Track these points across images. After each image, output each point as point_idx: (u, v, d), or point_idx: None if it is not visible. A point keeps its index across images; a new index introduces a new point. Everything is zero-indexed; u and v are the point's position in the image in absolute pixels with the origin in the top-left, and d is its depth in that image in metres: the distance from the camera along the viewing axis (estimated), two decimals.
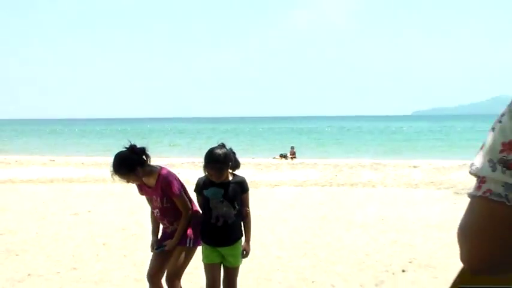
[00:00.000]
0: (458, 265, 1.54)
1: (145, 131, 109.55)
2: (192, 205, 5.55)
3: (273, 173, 23.62)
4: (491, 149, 1.48)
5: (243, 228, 5.53)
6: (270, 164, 27.71)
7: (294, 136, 78.40)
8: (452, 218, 2.28)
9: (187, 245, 5.45)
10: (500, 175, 1.46)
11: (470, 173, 1.53)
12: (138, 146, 5.51)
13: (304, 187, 19.22)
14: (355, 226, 11.71)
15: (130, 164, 5.32)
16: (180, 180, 5.54)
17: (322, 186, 19.38)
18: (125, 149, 5.43)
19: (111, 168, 5.37)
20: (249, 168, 21.06)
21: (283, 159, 34.47)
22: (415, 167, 24.09)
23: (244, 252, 5.54)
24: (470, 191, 1.51)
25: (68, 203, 15.16)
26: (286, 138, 64.22)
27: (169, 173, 5.50)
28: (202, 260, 5.52)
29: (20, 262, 8.80)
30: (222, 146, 5.38)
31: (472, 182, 1.53)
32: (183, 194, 5.45)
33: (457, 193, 15.78)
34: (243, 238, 5.53)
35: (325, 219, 12.61)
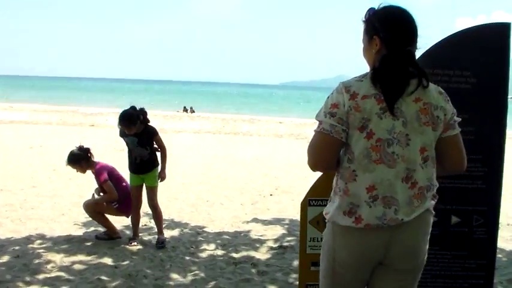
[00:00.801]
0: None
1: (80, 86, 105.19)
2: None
3: (177, 122, 23.94)
4: (326, 106, 2.28)
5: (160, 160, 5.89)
6: (175, 115, 28.04)
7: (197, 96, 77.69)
8: (306, 160, 2.77)
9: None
10: (328, 120, 2.23)
11: (315, 118, 2.30)
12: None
13: (200, 134, 19.77)
14: (238, 163, 12.29)
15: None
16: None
17: (213, 133, 20.06)
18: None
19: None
20: (159, 119, 21.18)
21: (185, 112, 34.66)
22: (280, 122, 25.05)
23: (160, 178, 5.87)
24: (314, 128, 2.31)
25: (25, 139, 15.03)
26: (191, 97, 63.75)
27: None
28: (130, 183, 5.90)
29: None
30: (133, 108, 5.71)
31: None
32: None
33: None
34: (159, 167, 5.85)
35: (216, 157, 13.19)
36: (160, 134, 5.91)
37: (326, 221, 2.41)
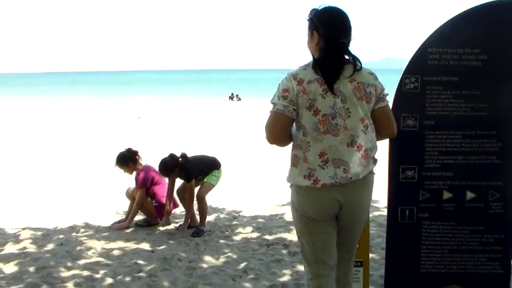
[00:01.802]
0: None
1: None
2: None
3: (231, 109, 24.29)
4: (278, 92, 2.77)
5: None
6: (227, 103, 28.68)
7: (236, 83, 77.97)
8: None
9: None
10: (281, 102, 2.73)
11: (271, 102, 2.80)
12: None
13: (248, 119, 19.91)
14: (287, 148, 12.26)
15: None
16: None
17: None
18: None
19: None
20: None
21: (231, 100, 35.16)
22: None
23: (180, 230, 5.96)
24: (270, 109, 2.79)
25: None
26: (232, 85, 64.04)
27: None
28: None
29: None
30: (171, 155, 5.88)
31: None
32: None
33: None
34: (220, 169, 6.11)
35: (264, 141, 13.21)
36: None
37: (290, 186, 2.93)
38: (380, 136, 2.91)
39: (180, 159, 5.83)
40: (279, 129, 2.80)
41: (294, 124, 2.81)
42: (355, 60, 2.75)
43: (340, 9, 2.83)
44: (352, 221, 2.93)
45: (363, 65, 2.79)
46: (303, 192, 2.84)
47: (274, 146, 2.96)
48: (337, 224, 2.93)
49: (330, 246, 2.94)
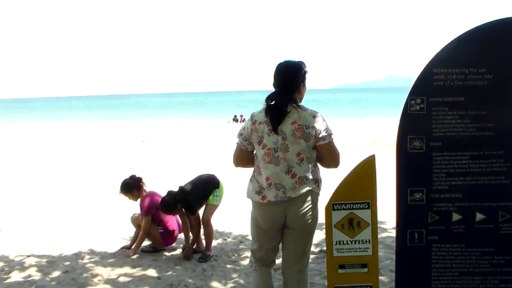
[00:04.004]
0: None
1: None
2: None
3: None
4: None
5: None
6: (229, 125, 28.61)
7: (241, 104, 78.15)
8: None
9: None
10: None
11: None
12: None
13: None
14: None
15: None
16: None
17: None
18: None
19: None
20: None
21: (235, 122, 35.19)
22: None
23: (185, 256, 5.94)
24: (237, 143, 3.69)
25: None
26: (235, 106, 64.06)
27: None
28: None
29: None
30: (170, 193, 5.90)
31: None
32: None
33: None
34: (220, 189, 6.02)
35: None
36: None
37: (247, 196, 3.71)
38: (325, 166, 3.60)
39: (180, 195, 5.80)
40: (239, 158, 3.73)
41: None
42: (297, 106, 3.44)
43: (288, 64, 3.57)
44: (297, 230, 3.57)
45: (310, 109, 3.49)
46: (256, 206, 3.63)
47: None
48: (284, 233, 3.65)
49: (269, 250, 3.77)
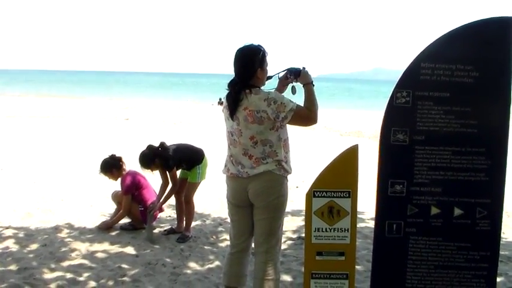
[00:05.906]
0: None
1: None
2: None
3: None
4: None
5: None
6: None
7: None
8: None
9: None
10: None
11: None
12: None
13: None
14: None
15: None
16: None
17: None
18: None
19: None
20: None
21: (220, 105, 34.98)
22: None
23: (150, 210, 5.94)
24: None
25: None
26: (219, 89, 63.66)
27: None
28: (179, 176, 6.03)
29: None
30: (149, 147, 5.82)
31: None
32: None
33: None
34: (203, 164, 5.91)
35: None
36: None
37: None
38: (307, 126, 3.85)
39: (159, 149, 5.75)
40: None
41: None
42: (250, 91, 3.54)
43: (244, 49, 3.62)
44: (261, 208, 3.68)
45: (264, 91, 3.59)
46: (227, 180, 3.82)
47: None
48: (253, 213, 3.75)
49: (240, 228, 3.87)
